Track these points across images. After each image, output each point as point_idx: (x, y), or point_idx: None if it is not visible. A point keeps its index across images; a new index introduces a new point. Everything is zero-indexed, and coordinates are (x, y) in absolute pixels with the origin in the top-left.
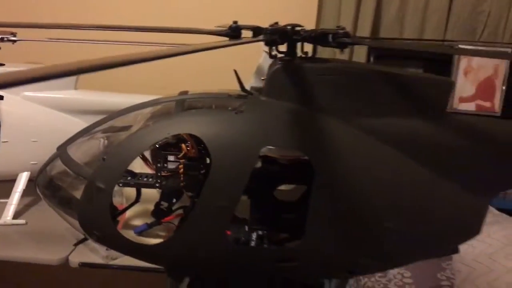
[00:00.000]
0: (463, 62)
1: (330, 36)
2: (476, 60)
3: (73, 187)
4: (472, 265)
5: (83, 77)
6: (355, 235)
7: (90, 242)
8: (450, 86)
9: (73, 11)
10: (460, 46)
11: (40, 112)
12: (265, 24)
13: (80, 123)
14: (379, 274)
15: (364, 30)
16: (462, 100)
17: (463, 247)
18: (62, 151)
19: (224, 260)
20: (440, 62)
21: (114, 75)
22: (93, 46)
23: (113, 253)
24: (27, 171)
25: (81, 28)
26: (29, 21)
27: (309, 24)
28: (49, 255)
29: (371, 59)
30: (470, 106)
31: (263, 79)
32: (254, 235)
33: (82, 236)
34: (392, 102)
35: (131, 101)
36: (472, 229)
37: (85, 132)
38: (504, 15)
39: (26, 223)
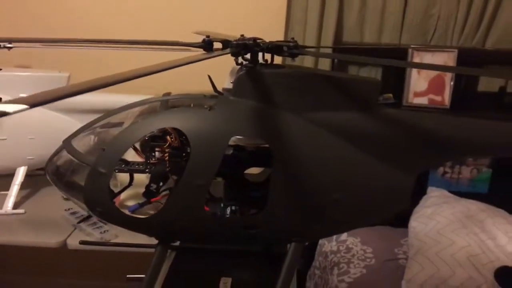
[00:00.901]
0: (416, 61)
1: (283, 47)
2: (428, 59)
3: (76, 173)
4: (423, 239)
5: (74, 79)
6: (308, 205)
7: (86, 227)
8: (377, 85)
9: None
10: (413, 46)
11: (35, 112)
12: (240, 32)
13: (71, 121)
14: (344, 250)
15: (328, 34)
16: (416, 94)
17: (417, 225)
18: (67, 143)
19: (203, 228)
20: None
21: (102, 74)
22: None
23: (107, 236)
24: (24, 165)
25: (68, 42)
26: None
27: (278, 32)
28: (49, 239)
29: (335, 61)
30: (423, 100)
31: (231, 82)
32: (228, 210)
33: (76, 222)
34: (332, 99)
35: (117, 100)
36: (401, 200)
37: (86, 128)
38: (452, 18)
39: (25, 213)
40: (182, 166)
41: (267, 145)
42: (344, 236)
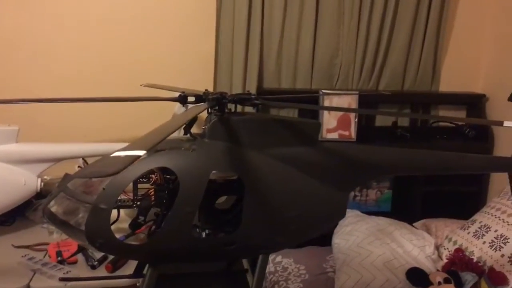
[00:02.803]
0: (326, 103)
1: (246, 99)
2: (335, 101)
3: (74, 211)
4: (347, 252)
5: (23, 131)
6: (271, 222)
7: (48, 270)
8: (318, 125)
9: None
10: (323, 90)
11: None
12: (175, 80)
13: (22, 172)
14: (281, 270)
15: (252, 81)
16: (328, 131)
17: (340, 242)
18: (64, 187)
19: (191, 248)
20: (311, 102)
21: (48, 127)
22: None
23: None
24: None
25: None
26: None
27: (208, 80)
28: (12, 285)
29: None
30: (334, 135)
31: (204, 128)
32: (203, 234)
33: (36, 266)
34: (285, 137)
35: (65, 150)
36: (339, 213)
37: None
38: (351, 66)
39: None
40: (166, 199)
41: (233, 177)
42: (279, 258)
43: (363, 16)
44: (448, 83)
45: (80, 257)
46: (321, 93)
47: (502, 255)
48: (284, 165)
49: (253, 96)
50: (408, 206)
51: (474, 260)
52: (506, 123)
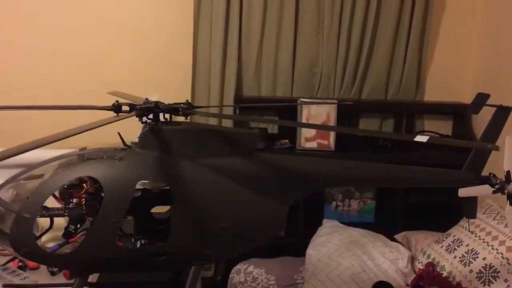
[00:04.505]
0: (305, 111)
1: (179, 108)
2: (314, 109)
3: (2, 220)
4: (316, 264)
5: None
6: (202, 234)
7: (6, 275)
8: (255, 135)
9: None
10: (302, 99)
11: None
12: (154, 90)
13: None
14: (250, 280)
15: (229, 90)
16: (307, 140)
17: (312, 252)
18: None
19: (117, 259)
20: (290, 111)
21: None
22: None
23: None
24: None
25: None
26: None
27: (186, 87)
28: None
29: (237, 110)
30: (313, 144)
31: (137, 137)
32: (138, 244)
33: None
34: (218, 147)
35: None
36: (278, 227)
37: (9, 181)
38: (332, 75)
39: None
40: (97, 208)
41: (168, 187)
42: (251, 268)
43: (343, 24)
44: (434, 93)
45: None
46: (299, 102)
47: (471, 271)
48: (217, 176)
49: (185, 106)
50: (391, 217)
51: (444, 275)
52: (418, 138)
